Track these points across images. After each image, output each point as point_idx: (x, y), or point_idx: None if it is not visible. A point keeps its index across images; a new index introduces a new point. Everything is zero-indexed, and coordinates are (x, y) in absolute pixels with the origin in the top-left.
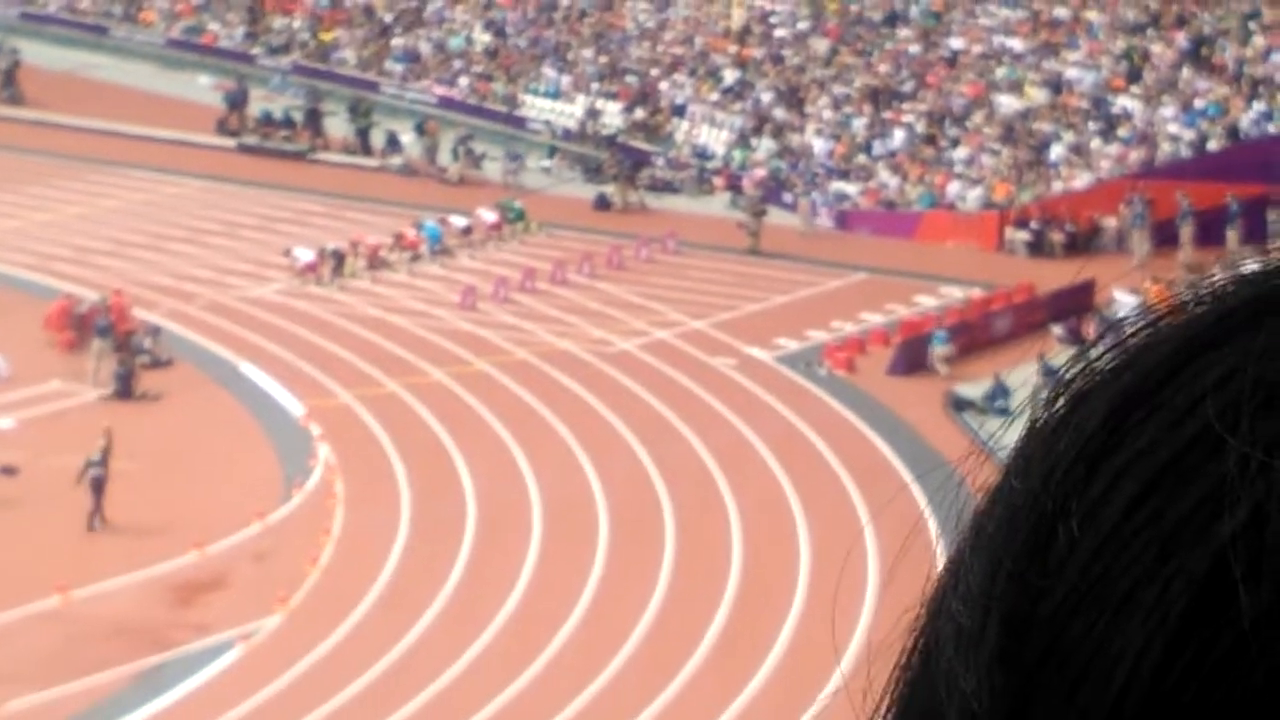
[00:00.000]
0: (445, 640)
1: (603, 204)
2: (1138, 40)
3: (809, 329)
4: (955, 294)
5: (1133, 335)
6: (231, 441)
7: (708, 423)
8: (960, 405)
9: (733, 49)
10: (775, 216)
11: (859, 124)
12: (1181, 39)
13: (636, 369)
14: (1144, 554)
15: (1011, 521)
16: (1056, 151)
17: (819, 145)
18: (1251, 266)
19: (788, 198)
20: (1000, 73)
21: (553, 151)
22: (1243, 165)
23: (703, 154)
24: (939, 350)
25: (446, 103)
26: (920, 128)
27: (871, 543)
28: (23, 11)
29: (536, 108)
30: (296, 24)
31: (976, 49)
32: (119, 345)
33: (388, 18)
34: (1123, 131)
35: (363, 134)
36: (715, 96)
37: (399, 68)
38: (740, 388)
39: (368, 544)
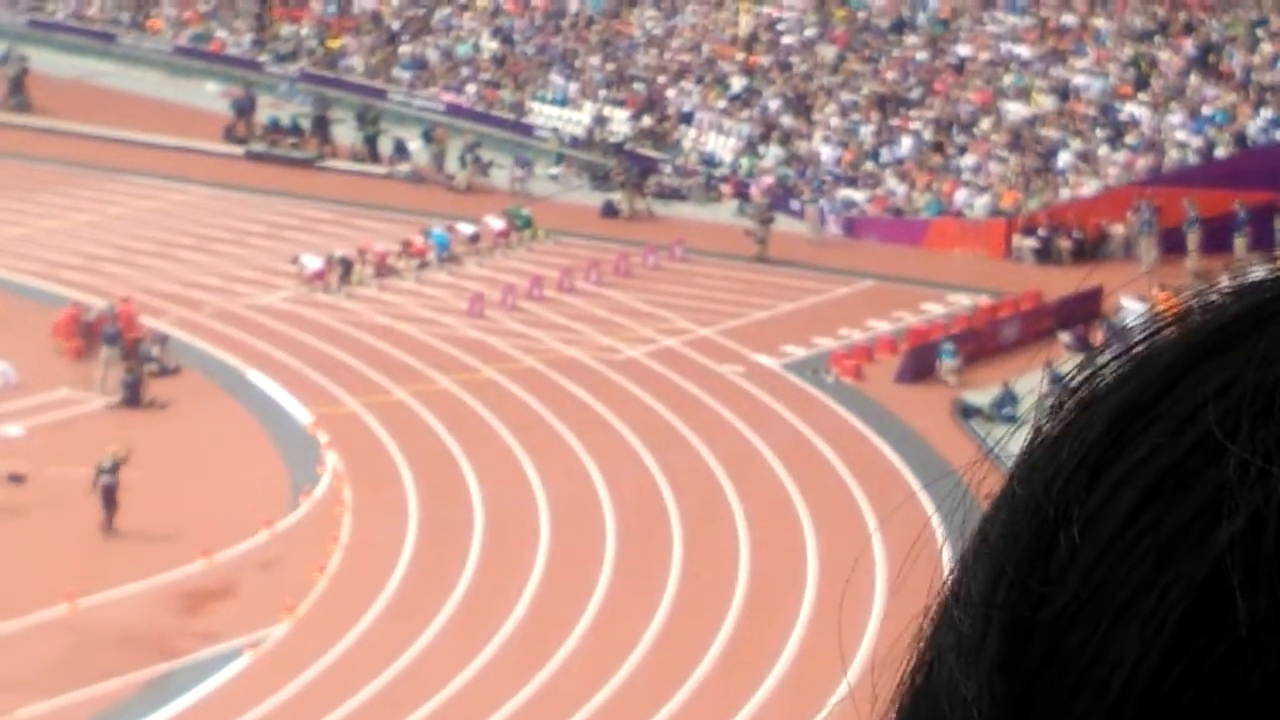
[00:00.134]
0: (453, 648)
1: (610, 211)
2: (1145, 47)
3: (816, 336)
4: (963, 301)
5: (1137, 344)
6: (239, 449)
7: (715, 430)
8: (968, 413)
9: (740, 56)
10: (783, 224)
11: (866, 131)
12: (1189, 46)
13: (644, 376)
14: (1143, 561)
15: (1014, 529)
16: (1064, 159)
17: (826, 152)
18: (1258, 274)
19: (795, 205)
20: (1008, 80)
21: (560, 159)
22: (1250, 172)
23: (710, 161)
24: (947, 364)
25: (454, 110)
26: (928, 135)
27: (879, 550)
28: (31, 19)
29: (544, 115)
30: (304, 31)
31: (984, 56)
32: (127, 353)
33: (395, 25)
34: (1130, 139)
35: (370, 141)
36: (723, 104)
37: (407, 75)
38: (748, 395)
39: (375, 552)
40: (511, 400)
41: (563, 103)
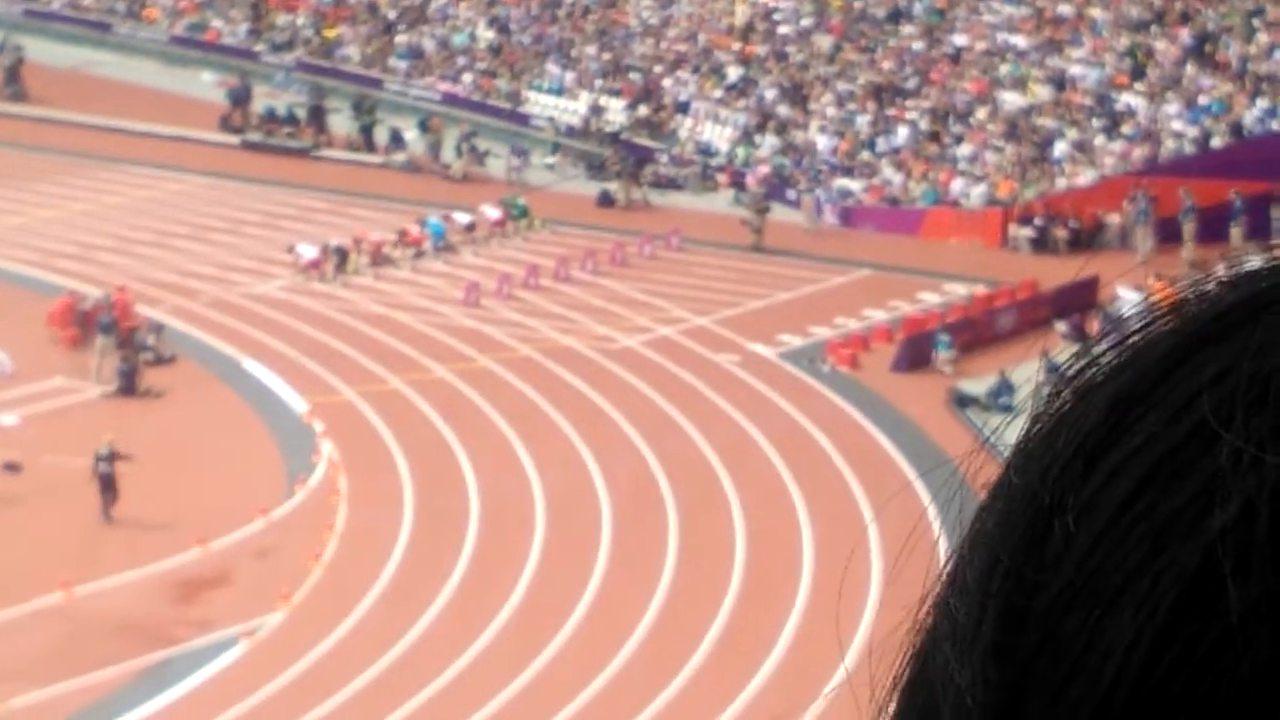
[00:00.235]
0: (448, 636)
1: (606, 201)
2: (1141, 37)
3: (812, 325)
4: (959, 291)
5: (1133, 333)
6: (235, 438)
7: (711, 419)
8: (963, 402)
9: (736, 46)
10: (779, 213)
11: (863, 121)
12: (1185, 36)
13: (640, 365)
14: (1137, 548)
15: (1009, 517)
16: (1060, 148)
17: (823, 142)
18: (1254, 263)
19: (791, 194)
20: (1004, 69)
21: (556, 148)
22: (1246, 162)
23: (706, 151)
24: (943, 355)
25: (450, 99)
26: (924, 125)
27: (875, 539)
28: (26, 8)
29: (540, 104)
30: (300, 21)
31: (980, 46)
32: (122, 342)
33: (391, 14)
34: (1126, 128)
35: (366, 131)
36: (719, 93)
37: (403, 64)
38: (744, 384)
39: (371, 540)
40: (507, 389)
41: (559, 92)
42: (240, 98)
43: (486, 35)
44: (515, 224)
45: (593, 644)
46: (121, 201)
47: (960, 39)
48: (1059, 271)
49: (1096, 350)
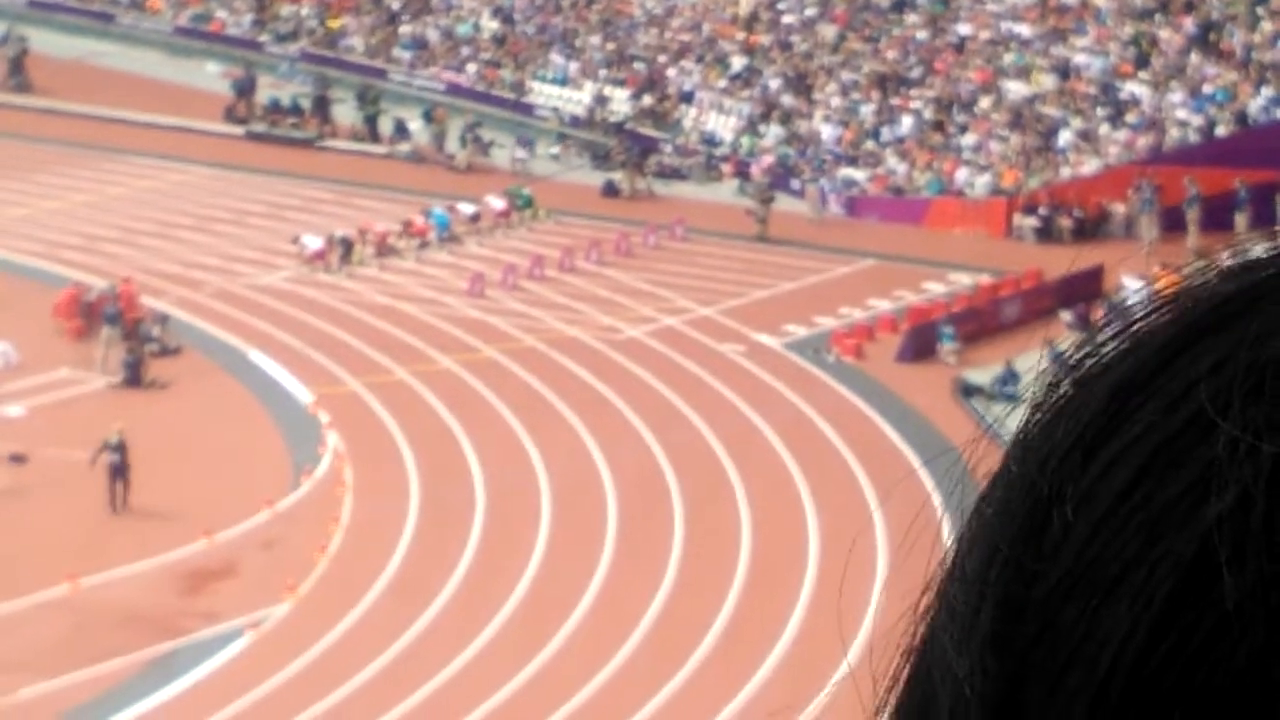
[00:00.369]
0: (454, 627)
1: (611, 191)
2: (1146, 26)
3: (817, 315)
4: (964, 280)
5: (1133, 323)
6: (240, 429)
7: (716, 409)
8: (969, 391)
9: (740, 35)
10: (783, 203)
11: (867, 110)
12: (1190, 24)
13: (645, 356)
14: (1134, 537)
15: (1008, 507)
16: (1065, 137)
17: (827, 132)
18: (1257, 251)
19: (796, 184)
20: (1008, 59)
21: (561, 138)
22: (1251, 151)
23: (711, 141)
24: (947, 346)
25: (454, 90)
26: (928, 114)
27: (881, 529)
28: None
29: (544, 95)
30: (304, 11)
31: (984, 35)
32: (127, 333)
33: (395, 5)
34: (1131, 117)
35: (371, 121)
36: (723, 83)
37: (407, 55)
38: (749, 374)
39: (377, 532)
40: (512, 380)
41: (563, 82)
42: (245, 88)
43: (491, 25)
44: (520, 214)
45: (598, 635)
46: (126, 192)
47: (964, 28)
48: (1063, 261)
49: (1096, 340)
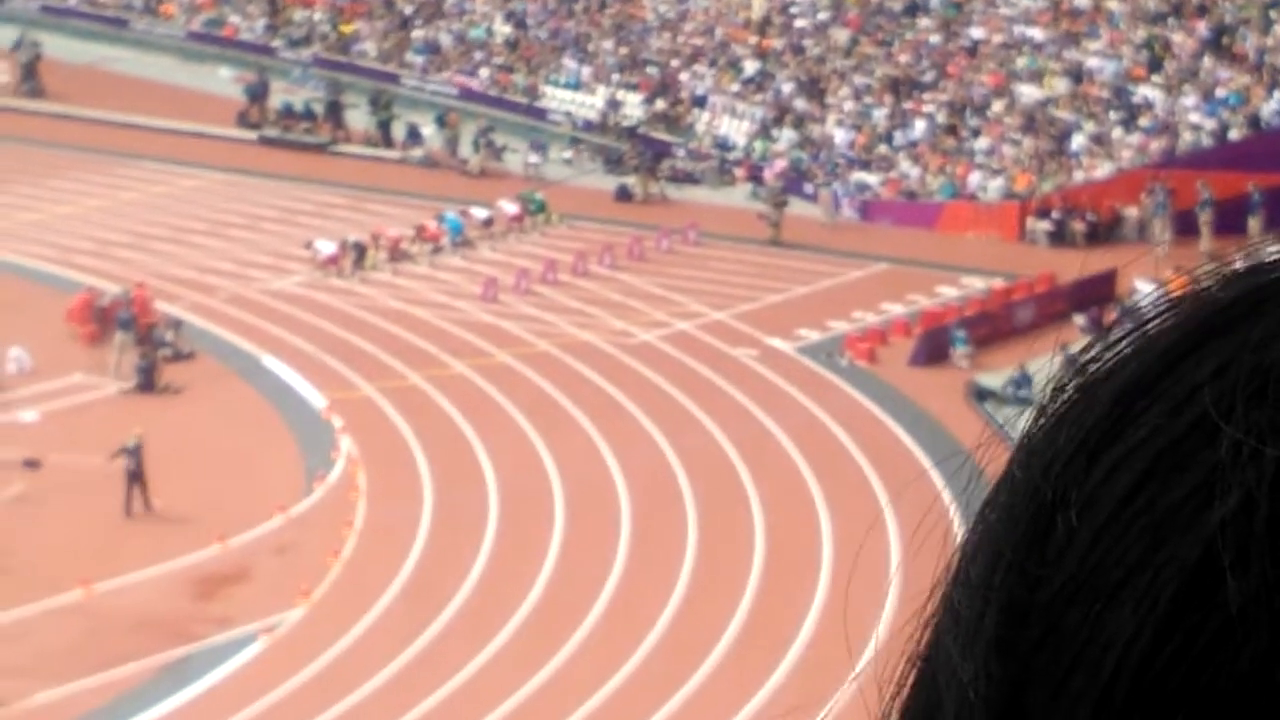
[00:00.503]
0: (468, 632)
1: (624, 195)
2: (1159, 29)
3: (830, 320)
4: (976, 284)
5: (1137, 327)
6: (253, 434)
7: (729, 414)
8: (982, 395)
9: (753, 40)
10: (796, 207)
11: (880, 114)
12: (1202, 28)
13: (658, 360)
14: (1138, 541)
15: (1012, 512)
16: (1078, 141)
17: (840, 136)
18: (1272, 253)
19: (809, 188)
20: (1021, 62)
21: (574, 143)
22: (1264, 154)
23: (724, 145)
24: (960, 350)
25: (467, 94)
26: (941, 118)
27: (894, 533)
28: (44, 5)
29: (557, 99)
30: (317, 16)
31: (997, 39)
32: (141, 338)
33: (408, 9)
34: (1144, 121)
35: (384, 126)
36: (736, 87)
37: (420, 60)
38: (761, 379)
39: (390, 536)
40: (525, 384)
41: (576, 87)
42: (257, 93)
43: (503, 30)
44: (533, 219)
45: (612, 639)
46: (139, 197)
47: (977, 32)
48: (1077, 265)
49: (1101, 345)
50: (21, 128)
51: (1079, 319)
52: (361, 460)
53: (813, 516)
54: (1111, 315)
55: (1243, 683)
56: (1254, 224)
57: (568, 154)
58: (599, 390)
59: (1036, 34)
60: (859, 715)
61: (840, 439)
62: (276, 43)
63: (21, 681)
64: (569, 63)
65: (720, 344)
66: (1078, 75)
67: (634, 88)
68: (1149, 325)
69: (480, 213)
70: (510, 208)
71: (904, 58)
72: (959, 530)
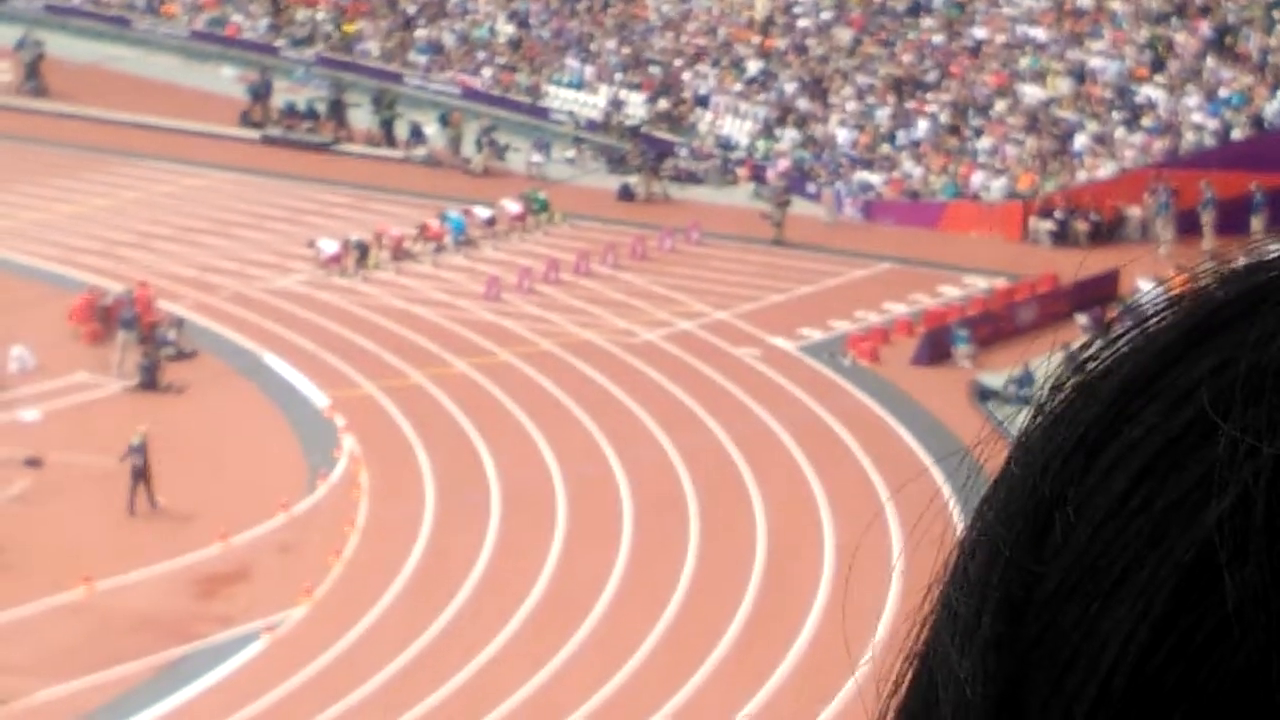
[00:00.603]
0: (470, 630)
1: (626, 194)
2: (1162, 29)
3: (833, 319)
4: (979, 284)
5: (1136, 326)
6: (256, 433)
7: (732, 413)
8: (984, 395)
9: (756, 39)
10: (799, 207)
11: (883, 114)
12: (1205, 28)
13: (660, 359)
14: (1135, 539)
15: (1010, 510)
16: (1080, 141)
17: (843, 135)
18: (1272, 252)
19: (811, 188)
20: (1024, 62)
21: (576, 142)
22: (1267, 154)
23: (726, 144)
24: (963, 350)
25: (470, 94)
26: (944, 118)
27: (895, 532)
28: (47, 4)
29: (560, 98)
30: (320, 16)
31: (1000, 39)
32: (144, 337)
33: (411, 9)
34: (1147, 121)
35: (386, 125)
36: (739, 87)
37: (422, 59)
38: (764, 378)
39: (392, 535)
40: (528, 384)
41: (579, 86)
42: (260, 93)
43: (506, 29)
44: (535, 218)
45: (614, 638)
46: (141, 196)
47: (980, 32)
48: (1079, 264)
49: (1099, 343)
50: (24, 127)
51: (1081, 319)
52: (364, 459)
53: (815, 515)
54: (1114, 315)
55: (1240, 680)
56: (1257, 224)
57: (570, 153)
58: (601, 389)
59: (1039, 34)
60: (858, 716)
61: (842, 438)
62: (279, 42)
63: (23, 679)
64: (572, 62)
65: (723, 343)
66: (1080, 75)
67: (637, 87)
68: (1147, 323)
69: (483, 212)
70: (513, 207)
71: (907, 57)
72: (958, 528)
